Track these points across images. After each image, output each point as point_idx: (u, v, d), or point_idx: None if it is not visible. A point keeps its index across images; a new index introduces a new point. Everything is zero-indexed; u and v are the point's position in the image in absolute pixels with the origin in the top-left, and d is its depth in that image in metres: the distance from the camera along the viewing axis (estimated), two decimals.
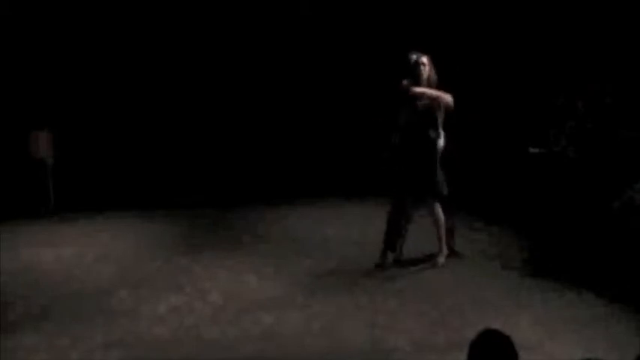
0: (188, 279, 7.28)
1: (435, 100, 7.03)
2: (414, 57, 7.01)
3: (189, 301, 6.67)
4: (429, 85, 7.05)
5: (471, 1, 11.11)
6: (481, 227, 8.82)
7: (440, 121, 7.09)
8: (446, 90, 7.13)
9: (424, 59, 7.03)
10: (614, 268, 6.94)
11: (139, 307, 6.55)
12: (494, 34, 10.79)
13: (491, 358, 2.80)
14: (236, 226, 9.36)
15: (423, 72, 6.99)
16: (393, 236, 7.42)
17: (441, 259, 7.40)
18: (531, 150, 8.60)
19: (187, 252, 8.19)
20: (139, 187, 11.00)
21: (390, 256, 7.45)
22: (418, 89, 6.99)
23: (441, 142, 7.12)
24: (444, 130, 7.18)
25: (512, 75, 10.50)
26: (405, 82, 7.03)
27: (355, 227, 9.10)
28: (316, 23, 12.29)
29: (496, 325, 3.55)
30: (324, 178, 11.23)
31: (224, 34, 12.33)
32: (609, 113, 8.25)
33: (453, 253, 7.60)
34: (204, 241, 8.67)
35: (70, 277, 7.46)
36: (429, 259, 7.56)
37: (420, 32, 11.35)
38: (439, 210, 7.28)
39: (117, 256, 8.12)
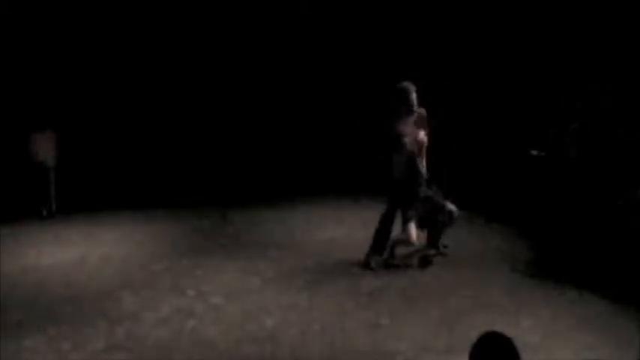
0: (190, 281, 7.29)
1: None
2: (404, 84, 7.40)
3: (191, 303, 6.68)
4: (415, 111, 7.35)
5: (472, 3, 11.11)
6: (482, 227, 8.82)
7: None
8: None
9: (413, 87, 7.40)
10: (616, 268, 6.94)
11: (140, 310, 6.55)
12: (495, 36, 10.80)
13: None
14: (237, 227, 9.36)
15: (412, 97, 7.33)
16: (381, 240, 7.50)
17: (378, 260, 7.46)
18: (532, 152, 8.62)
19: (189, 254, 8.20)
20: (140, 189, 11.00)
21: (374, 259, 7.49)
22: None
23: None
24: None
25: (514, 77, 10.51)
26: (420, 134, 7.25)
27: (356, 228, 9.09)
28: (316, 23, 12.29)
29: (498, 326, 3.55)
30: (325, 179, 11.23)
31: (224, 34, 12.33)
32: (609, 113, 8.26)
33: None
34: (205, 243, 8.67)
35: (72, 279, 7.47)
36: (432, 259, 7.58)
37: (421, 33, 11.39)
38: (410, 226, 7.35)
39: (119, 258, 8.12)
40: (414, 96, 7.31)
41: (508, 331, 3.00)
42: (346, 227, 9.19)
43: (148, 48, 12.19)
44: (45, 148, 10.27)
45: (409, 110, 7.32)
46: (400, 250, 7.60)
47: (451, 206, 7.50)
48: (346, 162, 11.58)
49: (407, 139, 7.22)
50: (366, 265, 7.48)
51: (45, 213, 10.16)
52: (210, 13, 12.29)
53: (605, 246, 7.28)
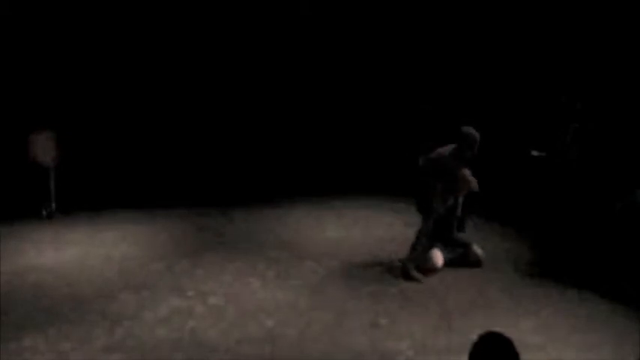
0: (189, 281, 7.28)
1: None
2: (471, 131, 7.12)
3: (191, 304, 6.68)
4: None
5: (473, 3, 11.12)
6: (482, 227, 8.82)
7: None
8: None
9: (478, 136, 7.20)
10: (616, 268, 6.95)
11: (140, 310, 6.55)
12: (495, 36, 10.80)
13: None
14: (237, 227, 9.34)
15: (476, 146, 7.15)
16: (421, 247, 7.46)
17: (410, 266, 7.32)
18: (533, 153, 8.63)
19: (189, 253, 8.19)
20: (140, 189, 10.99)
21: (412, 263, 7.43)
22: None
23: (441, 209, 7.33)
24: None
25: (514, 77, 10.51)
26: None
27: (356, 228, 9.10)
28: (316, 23, 12.29)
29: (498, 326, 3.55)
30: (324, 179, 11.23)
31: (224, 34, 12.33)
32: (609, 113, 8.26)
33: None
34: (205, 243, 8.66)
35: (72, 279, 7.46)
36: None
37: (421, 32, 11.38)
38: (427, 226, 7.33)
39: (119, 258, 8.10)
40: (477, 145, 7.14)
41: (508, 331, 2.99)
42: (346, 227, 9.18)
43: (148, 48, 12.19)
44: (45, 149, 10.25)
45: (469, 155, 7.18)
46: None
47: (479, 250, 7.52)
48: (346, 161, 11.59)
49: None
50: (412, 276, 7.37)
51: (45, 213, 10.15)
52: (211, 13, 12.29)
53: (605, 246, 7.28)
